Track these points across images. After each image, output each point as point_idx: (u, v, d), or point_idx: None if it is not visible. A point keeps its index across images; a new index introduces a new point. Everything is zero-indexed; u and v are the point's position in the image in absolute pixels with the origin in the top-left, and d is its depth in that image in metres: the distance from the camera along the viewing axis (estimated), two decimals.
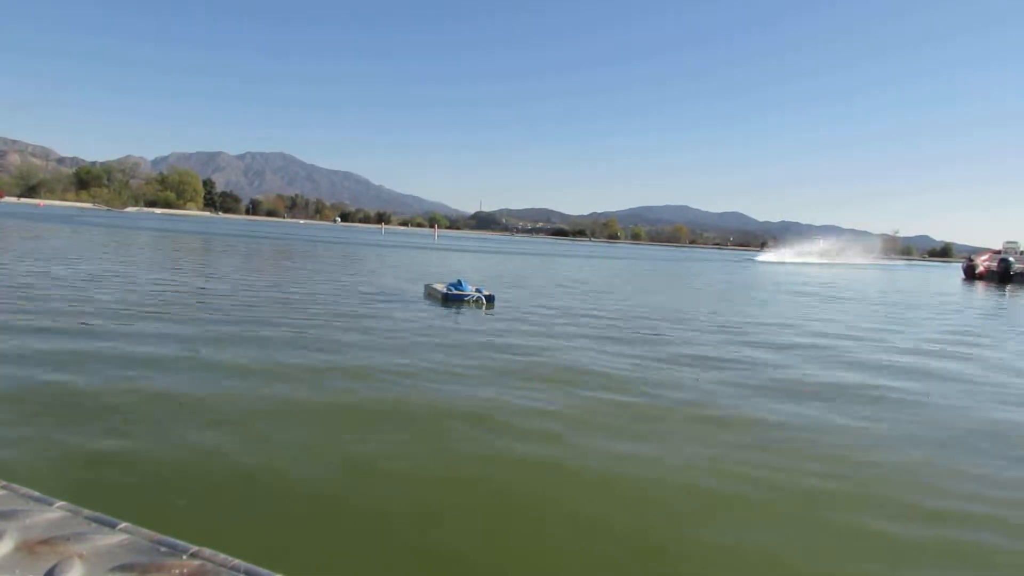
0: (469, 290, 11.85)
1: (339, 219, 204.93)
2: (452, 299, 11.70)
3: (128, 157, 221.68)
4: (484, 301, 11.71)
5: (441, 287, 12.28)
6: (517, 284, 17.68)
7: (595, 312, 12.18)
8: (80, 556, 0.59)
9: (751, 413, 5.47)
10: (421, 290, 13.31)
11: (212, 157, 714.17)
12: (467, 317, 10.21)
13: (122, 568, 0.58)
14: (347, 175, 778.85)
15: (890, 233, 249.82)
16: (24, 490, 0.71)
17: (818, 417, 5.48)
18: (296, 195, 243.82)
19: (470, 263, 28.15)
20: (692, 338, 9.59)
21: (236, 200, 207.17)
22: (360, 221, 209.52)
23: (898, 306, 18.40)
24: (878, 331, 11.85)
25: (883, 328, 12.42)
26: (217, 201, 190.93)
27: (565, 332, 9.28)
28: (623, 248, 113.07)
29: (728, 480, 3.90)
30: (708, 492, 3.74)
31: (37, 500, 0.69)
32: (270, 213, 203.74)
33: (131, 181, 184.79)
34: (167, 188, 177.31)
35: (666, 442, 4.61)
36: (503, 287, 15.46)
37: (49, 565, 0.58)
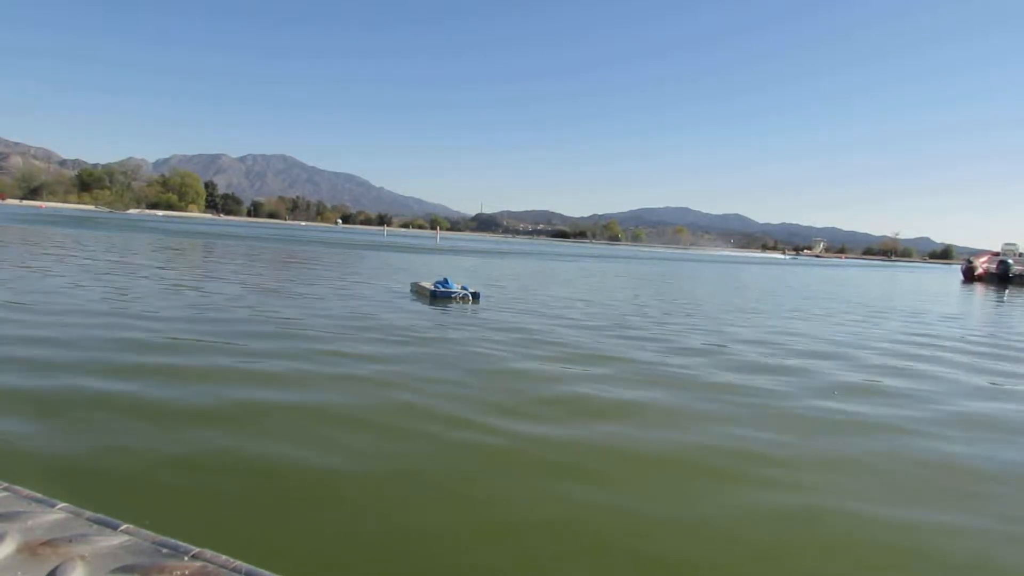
0: (455, 288, 11.91)
1: (340, 221, 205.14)
2: (440, 296, 11.76)
3: (130, 159, 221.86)
4: (470, 298, 11.77)
5: (428, 285, 12.33)
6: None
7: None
8: (82, 557, 0.59)
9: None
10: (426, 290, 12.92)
11: (214, 159, 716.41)
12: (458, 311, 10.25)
13: (124, 569, 0.58)
14: (348, 177, 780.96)
15: (890, 235, 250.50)
16: (26, 492, 0.72)
17: None
18: (297, 197, 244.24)
19: (484, 266, 28.06)
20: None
21: (238, 202, 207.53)
22: (361, 223, 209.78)
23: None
24: None
25: None
26: (219, 203, 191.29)
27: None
28: (628, 249, 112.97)
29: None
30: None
31: (39, 502, 0.70)
32: (271, 215, 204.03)
33: (133, 183, 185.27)
34: (169, 190, 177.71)
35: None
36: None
37: (51, 566, 0.58)
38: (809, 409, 5.53)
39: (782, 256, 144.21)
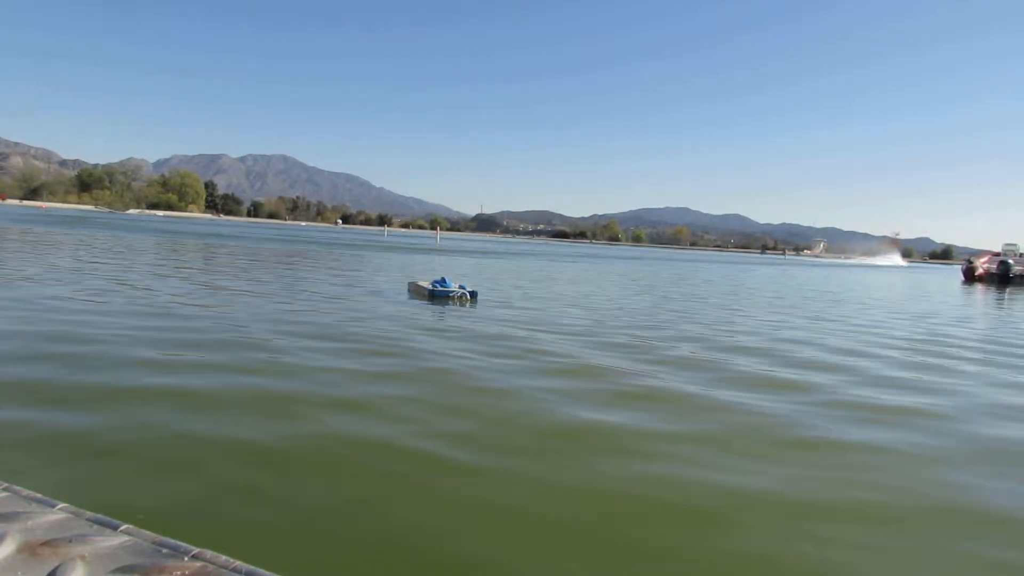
0: (453, 287, 11.86)
1: (340, 221, 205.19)
2: (438, 296, 11.71)
3: (130, 159, 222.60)
4: (468, 297, 11.72)
5: (426, 284, 12.28)
6: None
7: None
8: (82, 558, 0.60)
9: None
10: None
11: (214, 159, 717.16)
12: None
13: (124, 570, 0.59)
14: (348, 177, 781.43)
15: (891, 235, 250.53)
16: (26, 492, 0.72)
17: None
18: (297, 197, 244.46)
19: (484, 266, 28.00)
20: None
21: (238, 202, 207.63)
22: (361, 223, 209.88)
23: None
24: None
25: None
26: (219, 203, 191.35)
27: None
28: (632, 250, 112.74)
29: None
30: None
31: (39, 502, 0.70)
32: (271, 215, 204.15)
33: (133, 183, 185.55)
34: (169, 190, 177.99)
35: None
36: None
37: (51, 567, 0.58)
38: None
39: (904, 263, 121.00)
